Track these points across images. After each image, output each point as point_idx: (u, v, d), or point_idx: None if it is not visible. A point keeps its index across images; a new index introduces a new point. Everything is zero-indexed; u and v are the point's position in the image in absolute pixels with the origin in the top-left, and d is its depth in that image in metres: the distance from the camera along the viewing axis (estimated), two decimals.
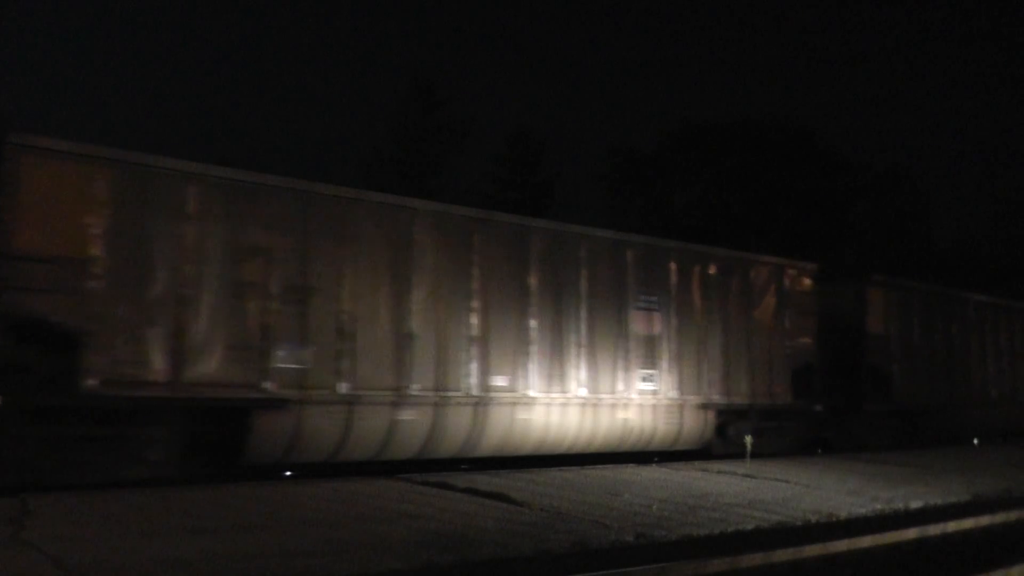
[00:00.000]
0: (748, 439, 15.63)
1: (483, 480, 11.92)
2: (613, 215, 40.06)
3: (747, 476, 13.68)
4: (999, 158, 73.11)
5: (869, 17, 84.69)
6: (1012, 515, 11.40)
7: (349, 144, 68.93)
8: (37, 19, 72.43)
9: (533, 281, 14.09)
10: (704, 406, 16.12)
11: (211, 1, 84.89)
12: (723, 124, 41.90)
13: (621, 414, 14.97)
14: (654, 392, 15.44)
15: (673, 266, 15.90)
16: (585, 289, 14.73)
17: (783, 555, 8.36)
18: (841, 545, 9.00)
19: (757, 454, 15.72)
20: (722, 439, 16.39)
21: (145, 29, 78.96)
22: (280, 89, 76.57)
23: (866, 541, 9.28)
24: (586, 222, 16.21)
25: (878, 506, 11.38)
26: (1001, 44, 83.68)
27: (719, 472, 14.06)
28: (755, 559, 8.13)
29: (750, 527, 9.54)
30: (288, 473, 12.60)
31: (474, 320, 13.29)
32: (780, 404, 17.31)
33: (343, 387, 11.95)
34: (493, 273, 13.61)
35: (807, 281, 18.16)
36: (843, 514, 10.68)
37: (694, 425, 15.97)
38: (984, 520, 10.97)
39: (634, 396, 15.17)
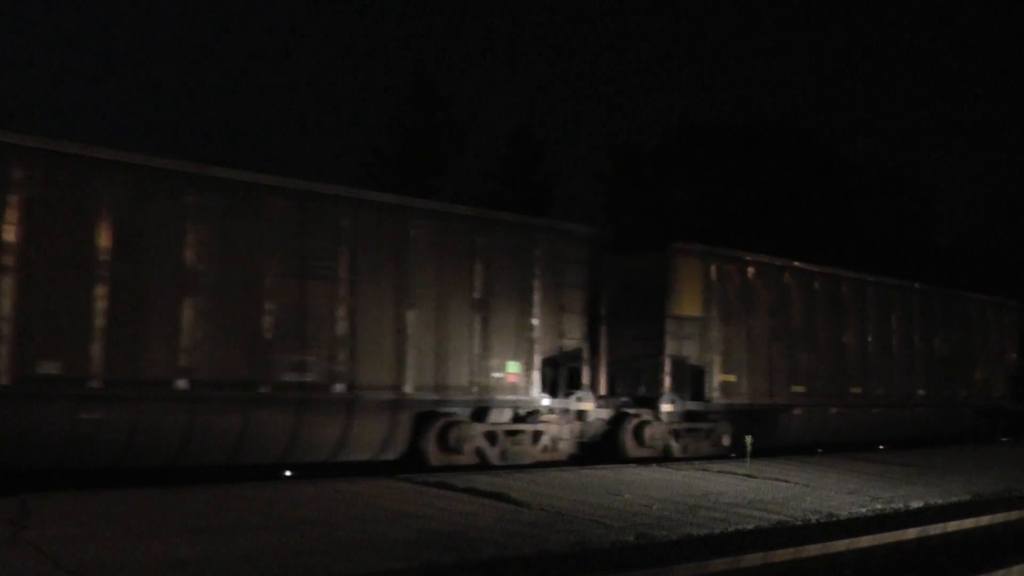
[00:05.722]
0: (748, 439, 15.59)
1: (483, 480, 11.91)
2: (613, 215, 40.06)
3: (747, 476, 13.68)
4: (999, 158, 73.10)
5: (869, 17, 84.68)
6: (1012, 515, 11.40)
7: (349, 144, 68.95)
8: (37, 18, 72.42)
9: None
10: None
11: (212, 1, 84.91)
12: (723, 124, 41.92)
13: None
14: None
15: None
16: None
17: (783, 555, 8.36)
18: (841, 545, 9.00)
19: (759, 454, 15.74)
20: None
21: (144, 29, 78.96)
22: (280, 89, 76.60)
23: (866, 541, 9.27)
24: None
25: (878, 506, 11.38)
26: (1001, 44, 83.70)
27: (719, 472, 14.06)
28: (755, 559, 8.13)
29: (750, 527, 9.53)
30: (288, 473, 12.60)
31: None
32: None
33: None
34: None
35: None
36: (843, 514, 10.68)
37: None
38: (984, 520, 10.97)
39: None
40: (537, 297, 14.15)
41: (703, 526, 9.40)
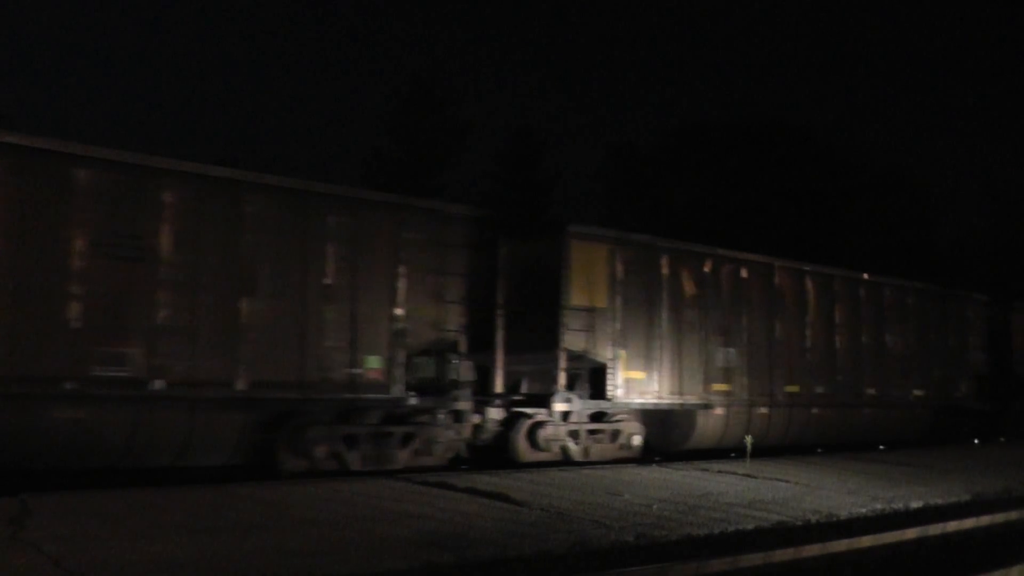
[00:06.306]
0: (748, 438, 15.56)
1: (483, 480, 11.91)
2: (613, 214, 40.06)
3: (747, 476, 13.68)
4: (999, 158, 73.12)
5: (869, 16, 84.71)
6: (1012, 515, 11.39)
7: (349, 144, 69.00)
8: (37, 17, 72.46)
9: None
10: None
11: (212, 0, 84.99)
12: (723, 124, 42.01)
13: None
14: None
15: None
16: None
17: (783, 555, 8.36)
18: (841, 545, 9.00)
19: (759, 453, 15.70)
20: None
21: (144, 28, 79.01)
22: (281, 88, 76.65)
23: (866, 541, 9.27)
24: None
25: (878, 506, 11.38)
26: (1001, 43, 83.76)
27: (719, 472, 14.06)
28: (755, 559, 8.13)
29: (750, 527, 9.53)
30: None
31: None
32: None
33: None
34: None
35: None
36: (843, 514, 10.67)
37: None
38: (984, 520, 10.97)
39: None
40: (403, 284, 12.89)
41: (703, 526, 9.40)
